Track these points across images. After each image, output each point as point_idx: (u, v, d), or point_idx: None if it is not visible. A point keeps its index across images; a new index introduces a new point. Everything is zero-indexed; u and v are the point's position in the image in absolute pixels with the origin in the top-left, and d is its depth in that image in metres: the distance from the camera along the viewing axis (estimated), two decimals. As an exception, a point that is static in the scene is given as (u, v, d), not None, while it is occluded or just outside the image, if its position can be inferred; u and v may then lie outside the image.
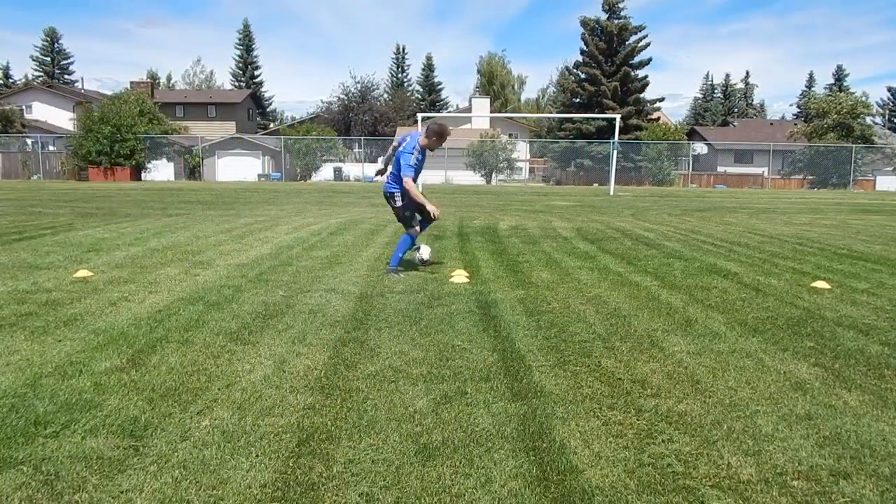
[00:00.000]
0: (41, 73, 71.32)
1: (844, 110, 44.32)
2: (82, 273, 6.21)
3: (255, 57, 77.08)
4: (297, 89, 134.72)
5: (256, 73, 77.10)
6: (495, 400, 3.16)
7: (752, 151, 53.20)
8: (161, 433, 2.73)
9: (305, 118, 61.67)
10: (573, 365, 3.71)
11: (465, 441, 2.70)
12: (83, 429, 2.75)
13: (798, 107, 76.46)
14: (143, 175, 38.91)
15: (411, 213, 6.53)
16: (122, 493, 2.26)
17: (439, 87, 77.35)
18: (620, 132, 32.44)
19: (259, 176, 45.69)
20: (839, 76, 75.48)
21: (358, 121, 57.32)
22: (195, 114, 59.03)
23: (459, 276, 6.27)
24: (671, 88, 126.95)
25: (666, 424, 2.90)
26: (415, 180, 6.36)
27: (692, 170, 46.80)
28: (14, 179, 38.11)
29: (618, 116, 29.39)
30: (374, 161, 51.06)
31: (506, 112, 63.16)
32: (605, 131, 43.27)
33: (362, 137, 49.37)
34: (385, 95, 65.86)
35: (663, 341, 4.23)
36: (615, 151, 28.91)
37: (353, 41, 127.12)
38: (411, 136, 6.53)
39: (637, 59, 49.58)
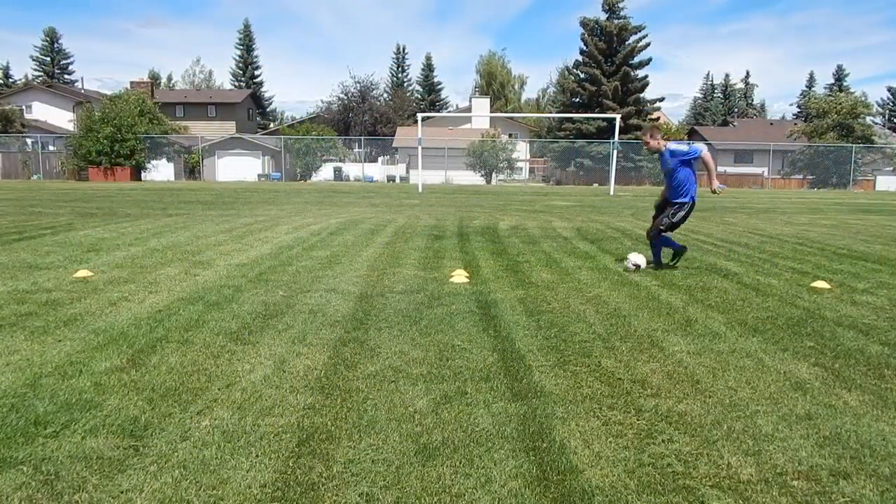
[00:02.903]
0: (41, 73, 71.34)
1: (844, 110, 44.34)
2: (82, 273, 6.21)
3: (256, 57, 77.12)
4: (297, 89, 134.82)
5: (256, 73, 77.13)
6: (495, 400, 3.16)
7: (752, 151, 53.21)
8: (161, 433, 2.73)
9: (305, 118, 61.68)
10: (573, 365, 3.71)
11: (465, 441, 2.70)
12: (83, 429, 2.75)
13: (798, 107, 76.45)
14: (143, 175, 38.92)
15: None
16: (122, 493, 2.26)
17: (439, 87, 77.39)
18: (620, 132, 32.43)
19: (259, 176, 45.69)
20: (839, 76, 75.48)
21: (358, 121, 57.34)
22: (195, 114, 59.04)
23: (459, 276, 6.27)
24: (671, 88, 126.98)
25: (666, 424, 2.90)
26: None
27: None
28: (14, 179, 38.12)
29: (618, 116, 29.39)
30: (374, 161, 51.16)
31: (506, 112, 63.17)
32: (605, 131, 43.28)
33: (362, 137, 49.39)
34: (385, 95, 65.88)
35: (663, 341, 4.23)
36: (615, 151, 28.91)
37: (353, 41, 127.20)
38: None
39: (637, 59, 49.58)
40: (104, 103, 39.12)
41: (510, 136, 48.99)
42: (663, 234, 7.05)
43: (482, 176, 44.85)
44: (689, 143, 7.15)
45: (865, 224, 13.79)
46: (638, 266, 6.88)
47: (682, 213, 6.92)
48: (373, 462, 2.51)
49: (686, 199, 6.87)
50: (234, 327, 4.41)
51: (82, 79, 64.48)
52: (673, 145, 6.97)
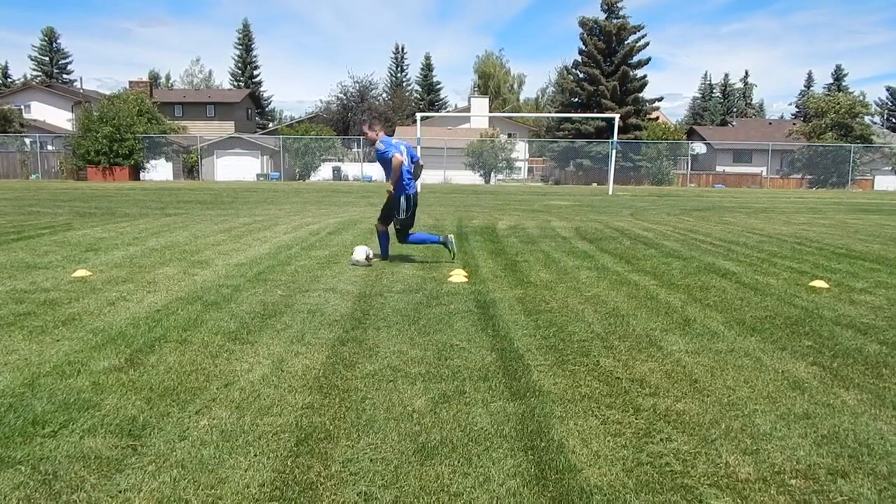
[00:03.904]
0: (40, 73, 71.23)
1: (843, 110, 44.36)
2: (81, 273, 6.20)
3: (255, 57, 77.04)
4: (296, 89, 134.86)
5: (256, 72, 77.06)
6: (494, 399, 3.16)
7: (750, 151, 53.22)
8: (159, 433, 2.73)
9: (304, 118, 61.66)
10: (571, 364, 3.71)
11: (463, 440, 2.70)
12: (81, 428, 2.74)
13: (797, 106, 76.51)
14: (141, 175, 38.87)
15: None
16: (120, 492, 2.26)
17: (438, 86, 77.42)
18: (619, 132, 32.45)
19: (258, 176, 45.63)
20: (838, 76, 75.54)
21: (357, 121, 57.30)
22: (194, 113, 58.96)
23: (458, 276, 6.27)
24: (671, 88, 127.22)
25: (664, 423, 2.90)
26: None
27: (691, 169, 46.80)
28: (13, 179, 38.05)
29: (616, 116, 29.42)
30: (373, 161, 51.07)
31: (505, 112, 63.16)
32: (604, 131, 43.29)
33: (361, 137, 49.27)
34: (384, 95, 65.89)
35: (662, 340, 4.23)
36: (614, 151, 28.89)
37: (353, 41, 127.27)
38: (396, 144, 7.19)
39: (636, 58, 49.58)
40: (103, 103, 39.07)
41: (509, 135, 48.92)
42: (409, 235, 7.32)
43: (481, 176, 44.83)
44: (391, 145, 7.07)
45: (864, 223, 13.80)
46: (369, 256, 6.95)
47: (402, 208, 7.10)
48: (371, 461, 2.51)
49: (400, 193, 7.08)
50: (233, 327, 4.41)
51: (81, 78, 64.00)
52: (381, 142, 7.06)
